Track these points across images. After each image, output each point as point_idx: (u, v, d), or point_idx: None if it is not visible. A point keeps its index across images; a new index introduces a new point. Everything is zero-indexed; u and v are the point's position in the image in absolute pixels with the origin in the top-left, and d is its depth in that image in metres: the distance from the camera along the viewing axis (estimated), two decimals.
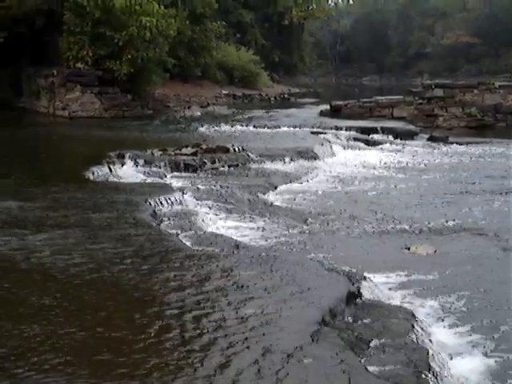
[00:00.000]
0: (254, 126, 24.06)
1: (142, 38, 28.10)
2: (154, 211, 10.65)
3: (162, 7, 29.60)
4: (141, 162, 15.14)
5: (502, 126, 27.04)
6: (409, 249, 9.64)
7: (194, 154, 16.31)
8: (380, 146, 21.33)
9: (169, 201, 11.46)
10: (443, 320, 6.95)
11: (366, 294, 7.10)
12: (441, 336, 6.56)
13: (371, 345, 5.76)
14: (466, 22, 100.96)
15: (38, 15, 28.45)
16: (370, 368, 5.24)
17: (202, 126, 24.02)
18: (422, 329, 6.36)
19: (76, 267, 7.47)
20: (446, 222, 11.42)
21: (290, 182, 15.17)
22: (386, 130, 23.21)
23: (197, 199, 12.20)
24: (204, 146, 17.19)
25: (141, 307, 6.42)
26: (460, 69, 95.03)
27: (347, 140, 21.49)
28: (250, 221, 11.21)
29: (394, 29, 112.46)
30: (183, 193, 12.29)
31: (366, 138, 22.22)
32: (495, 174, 16.67)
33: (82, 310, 6.29)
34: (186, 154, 16.22)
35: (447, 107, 27.23)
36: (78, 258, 7.79)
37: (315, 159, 17.74)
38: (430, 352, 5.74)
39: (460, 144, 22.16)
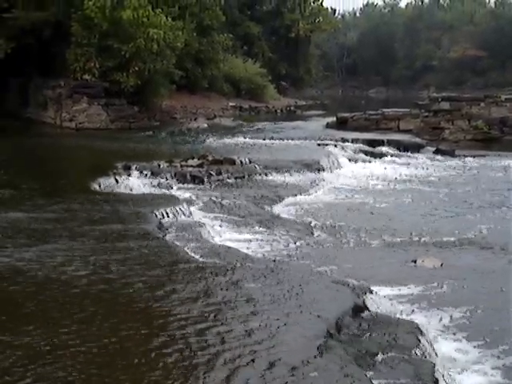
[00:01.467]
0: (261, 138, 24.08)
1: (150, 50, 28.19)
2: (161, 223, 10.65)
3: (170, 19, 29.70)
4: (147, 173, 15.16)
5: (509, 139, 26.99)
6: (415, 262, 9.62)
7: (201, 165, 16.33)
8: (386, 159, 21.31)
9: (175, 212, 11.46)
10: (450, 334, 6.93)
11: (372, 306, 7.08)
12: (447, 350, 6.54)
13: (377, 358, 5.74)
14: (472, 35, 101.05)
15: (45, 26, 28.56)
16: (376, 382, 5.22)
17: (209, 138, 24.06)
18: (428, 342, 6.33)
19: (81, 278, 7.48)
20: (453, 234, 11.40)
21: (297, 194, 15.15)
22: (392, 143, 23.20)
23: (203, 211, 12.22)
24: (210, 158, 17.20)
25: (146, 319, 6.42)
26: (466, 82, 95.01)
27: (353, 152, 21.47)
28: (257, 233, 11.21)
29: (401, 42, 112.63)
30: (189, 204, 12.30)
31: (372, 150, 22.20)
32: (502, 187, 16.64)
33: (86, 321, 6.29)
34: (192, 166, 16.24)
35: (453, 120, 27.20)
36: (83, 270, 7.80)
37: (321, 171, 17.73)
38: (437, 366, 5.71)
39: (466, 157, 22.13)
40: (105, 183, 13.92)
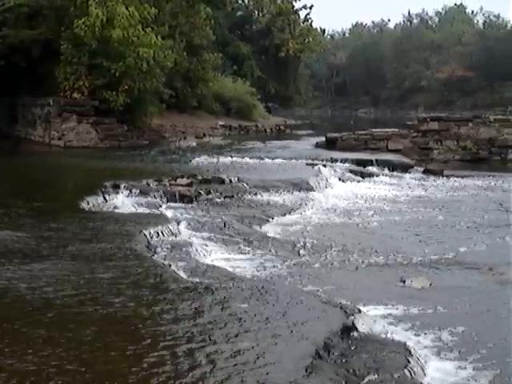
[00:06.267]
0: (250, 158, 24.09)
1: (139, 69, 28.24)
2: (149, 242, 10.62)
3: (160, 38, 29.79)
4: (136, 192, 15.12)
5: (497, 160, 27.18)
6: (404, 282, 9.61)
7: (190, 184, 16.33)
8: (375, 179, 21.37)
9: (164, 232, 11.44)
10: (439, 354, 6.91)
11: (361, 327, 7.06)
12: (436, 370, 6.51)
13: (366, 379, 5.72)
14: (461, 55, 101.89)
15: (34, 44, 28.62)
16: None
17: (198, 157, 24.04)
18: (417, 363, 6.31)
19: (69, 298, 7.43)
20: (441, 255, 11.41)
21: (286, 213, 15.15)
22: (381, 163, 23.25)
23: (192, 230, 12.19)
24: (199, 177, 17.22)
25: (135, 339, 6.37)
26: (455, 102, 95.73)
27: (342, 172, 21.51)
28: (245, 252, 11.19)
29: (390, 62, 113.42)
30: (178, 224, 12.27)
31: (361, 170, 22.26)
32: (490, 207, 16.71)
33: (74, 342, 6.24)
34: (181, 185, 16.23)
35: (442, 140, 27.37)
36: (71, 290, 7.75)
37: (310, 191, 17.76)
38: None
39: (455, 177, 22.21)
40: (93, 202, 13.87)
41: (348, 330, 6.84)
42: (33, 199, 14.52)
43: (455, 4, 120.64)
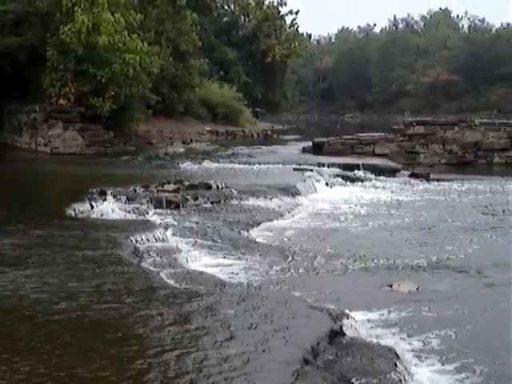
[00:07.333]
0: (237, 163, 24.12)
1: (125, 75, 28.21)
2: (136, 248, 10.59)
3: (146, 44, 29.77)
4: (123, 198, 15.05)
5: (483, 163, 27.32)
6: (391, 286, 9.63)
7: (177, 190, 16.28)
8: (362, 183, 21.40)
9: (151, 238, 11.41)
10: (426, 358, 6.92)
11: (349, 332, 7.06)
12: (423, 374, 6.52)
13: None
14: (446, 59, 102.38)
15: (20, 51, 28.52)
16: None
17: (185, 163, 24.04)
18: (404, 367, 6.32)
19: (56, 305, 7.40)
20: (428, 258, 11.43)
21: (273, 218, 15.14)
22: (367, 167, 23.31)
23: (179, 236, 12.15)
24: (186, 183, 17.17)
25: (122, 346, 6.35)
26: (441, 106, 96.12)
27: (329, 177, 21.54)
28: (233, 258, 11.17)
29: (376, 66, 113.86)
30: (165, 230, 12.24)
31: (348, 174, 22.29)
32: (476, 210, 16.77)
33: (61, 349, 6.21)
34: (168, 191, 16.17)
35: (428, 144, 27.51)
36: (57, 297, 7.71)
37: (297, 196, 17.77)
38: None
39: (441, 181, 22.28)
40: (80, 209, 13.82)
41: (335, 334, 6.84)
42: (19, 206, 14.47)
43: (440, 8, 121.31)
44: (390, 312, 8.36)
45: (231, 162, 24.49)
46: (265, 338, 6.53)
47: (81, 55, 28.06)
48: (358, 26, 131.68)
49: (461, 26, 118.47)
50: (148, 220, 13.53)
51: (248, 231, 13.61)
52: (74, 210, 13.65)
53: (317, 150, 27.87)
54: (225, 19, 61.38)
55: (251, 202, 16.48)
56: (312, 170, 22.06)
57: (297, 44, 61.64)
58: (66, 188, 18.22)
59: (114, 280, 8.56)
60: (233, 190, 17.05)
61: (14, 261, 9.39)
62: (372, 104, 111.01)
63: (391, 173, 23.47)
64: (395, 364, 6.26)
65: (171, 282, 8.78)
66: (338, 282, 10.03)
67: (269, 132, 48.68)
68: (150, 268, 9.49)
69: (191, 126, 42.16)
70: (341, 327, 7.05)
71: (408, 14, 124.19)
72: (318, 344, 6.43)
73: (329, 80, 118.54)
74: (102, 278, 8.64)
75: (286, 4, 60.49)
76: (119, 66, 27.86)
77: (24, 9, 29.45)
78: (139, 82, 29.34)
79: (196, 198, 15.88)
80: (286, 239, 13.16)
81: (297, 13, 61.93)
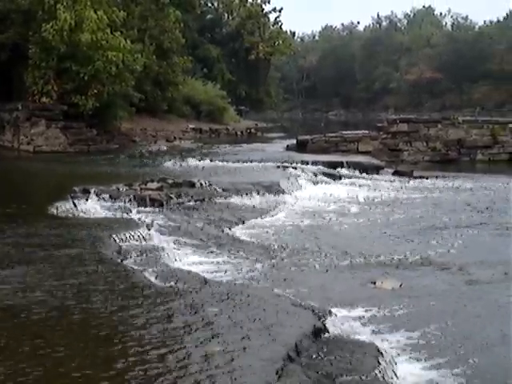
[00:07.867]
0: (221, 161, 24.10)
1: (108, 73, 28.13)
2: (119, 247, 10.55)
3: (129, 42, 29.70)
4: (106, 197, 15.01)
5: (466, 161, 27.47)
6: (374, 283, 9.64)
7: (160, 188, 16.24)
8: (345, 181, 21.45)
9: (134, 236, 11.36)
10: (409, 355, 6.94)
11: (332, 329, 7.08)
12: (407, 371, 6.54)
13: (337, 381, 5.73)
14: (429, 57, 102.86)
15: (2, 49, 28.36)
16: None
17: (168, 161, 23.99)
18: (387, 364, 6.33)
19: (38, 305, 7.35)
20: (411, 255, 11.46)
21: (257, 216, 15.14)
22: (351, 165, 23.37)
23: (163, 234, 12.12)
24: (170, 181, 17.13)
25: (105, 345, 6.33)
26: (424, 104, 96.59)
27: (313, 174, 21.56)
28: (217, 256, 11.15)
29: (359, 64, 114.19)
30: (149, 228, 12.20)
31: (332, 172, 22.33)
32: (459, 208, 16.83)
33: (44, 348, 6.17)
34: (151, 189, 16.13)
35: (412, 142, 27.61)
36: (40, 296, 7.67)
37: (281, 193, 17.77)
38: None
39: (424, 178, 22.36)
40: (62, 207, 13.75)
41: (319, 332, 6.85)
42: (0, 205, 14.38)
43: (424, 6, 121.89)
44: (373, 309, 8.36)
45: (215, 159, 24.46)
46: (248, 335, 6.53)
47: (63, 53, 27.96)
48: (342, 24, 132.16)
49: (444, 23, 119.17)
50: (131, 218, 13.47)
51: (232, 229, 13.60)
52: (57, 209, 13.58)
53: (301, 147, 27.91)
54: (208, 16, 61.38)
55: (235, 199, 16.48)
56: (296, 168, 22.09)
57: (280, 42, 61.78)
58: (48, 186, 18.14)
59: (97, 279, 8.52)
60: (217, 188, 17.04)
61: None
62: (356, 102, 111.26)
63: (375, 170, 23.54)
64: (378, 361, 6.27)
65: (155, 280, 8.75)
66: (321, 280, 10.03)
67: (253, 130, 48.68)
68: (134, 267, 9.46)
69: (175, 123, 42.10)
70: (324, 324, 7.07)
71: (391, 12, 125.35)
72: (302, 341, 6.43)
73: (313, 78, 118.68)
74: (84, 276, 8.60)
75: (269, 2, 60.63)
76: (102, 64, 27.79)
77: (6, 6, 29.30)
78: (122, 80, 29.27)
79: (180, 196, 15.85)
80: (270, 237, 13.15)
81: (280, 10, 62.10)
